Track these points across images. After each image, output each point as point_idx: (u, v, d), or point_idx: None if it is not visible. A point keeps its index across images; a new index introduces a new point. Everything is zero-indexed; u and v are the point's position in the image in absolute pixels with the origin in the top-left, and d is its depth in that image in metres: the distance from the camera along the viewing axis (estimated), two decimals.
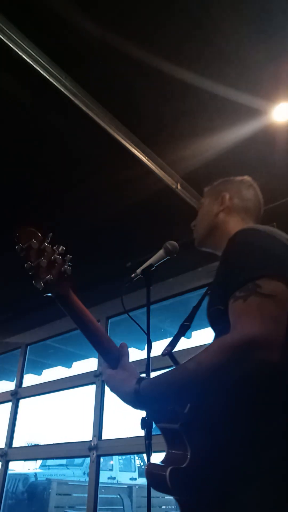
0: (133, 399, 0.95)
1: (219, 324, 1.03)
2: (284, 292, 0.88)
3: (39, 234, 0.99)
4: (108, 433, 3.66)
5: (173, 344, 1.33)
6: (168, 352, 1.30)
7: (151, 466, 1.02)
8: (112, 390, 1.03)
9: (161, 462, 1.02)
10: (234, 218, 1.30)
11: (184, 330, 1.36)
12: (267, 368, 0.82)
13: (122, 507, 6.43)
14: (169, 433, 1.03)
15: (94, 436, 3.61)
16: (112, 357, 1.06)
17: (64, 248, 1.01)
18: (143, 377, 0.98)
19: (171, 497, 1.04)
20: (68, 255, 1.01)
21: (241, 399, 0.92)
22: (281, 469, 0.83)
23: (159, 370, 1.27)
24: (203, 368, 0.85)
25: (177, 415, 1.00)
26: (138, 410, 1.01)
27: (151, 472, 1.00)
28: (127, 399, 0.97)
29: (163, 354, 1.31)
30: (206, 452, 0.95)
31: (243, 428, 0.91)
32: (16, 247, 0.97)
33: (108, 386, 1.04)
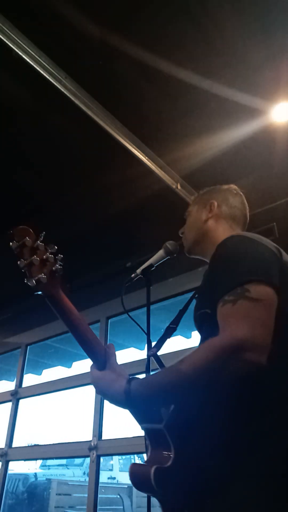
0: (124, 400, 0.95)
1: (205, 327, 1.06)
2: (271, 296, 0.91)
3: (33, 233, 1.01)
4: (108, 433, 3.66)
5: (158, 346, 1.35)
6: (154, 353, 1.32)
7: (135, 466, 1.02)
8: (100, 391, 1.03)
9: (145, 462, 1.03)
10: (222, 225, 1.33)
11: (170, 332, 1.39)
12: (254, 370, 0.84)
13: (122, 507, 6.42)
14: (153, 433, 1.04)
15: (94, 436, 3.61)
16: (99, 358, 1.07)
17: (56, 247, 1.02)
18: (133, 377, 0.99)
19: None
20: (60, 255, 1.03)
21: (227, 399, 0.93)
22: (268, 468, 0.84)
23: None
24: (194, 368, 0.87)
25: (160, 415, 1.01)
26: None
27: (135, 472, 1.00)
28: (117, 399, 0.97)
29: (148, 356, 1.33)
30: (190, 451, 0.96)
31: (228, 428, 0.93)
32: (11, 244, 0.98)
33: (95, 387, 1.04)
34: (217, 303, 0.94)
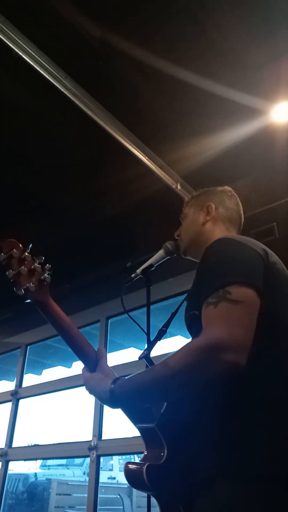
0: (109, 399, 1.00)
1: (194, 328, 1.07)
2: (252, 298, 0.93)
3: (20, 245, 1.06)
4: (108, 433, 3.66)
5: (149, 348, 1.37)
6: (145, 355, 1.34)
7: (129, 465, 1.05)
8: (90, 391, 1.08)
9: (140, 460, 1.06)
10: (219, 228, 1.34)
11: (161, 335, 1.40)
12: (232, 370, 0.85)
13: (122, 507, 6.41)
14: (147, 432, 1.07)
15: (94, 436, 3.61)
16: (91, 360, 1.12)
17: (43, 258, 1.08)
18: (118, 378, 1.03)
19: None
20: (48, 264, 1.08)
21: (214, 398, 0.96)
22: (255, 468, 0.85)
23: None
24: (172, 368, 0.90)
25: (153, 415, 1.05)
26: (118, 410, 1.05)
27: (129, 470, 1.04)
28: (103, 398, 1.02)
29: (140, 358, 1.35)
30: (182, 449, 1.00)
31: (216, 426, 0.95)
32: None
33: (86, 388, 1.09)
34: (202, 305, 0.96)
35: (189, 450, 0.98)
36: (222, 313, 0.90)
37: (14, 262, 1.03)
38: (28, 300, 1.05)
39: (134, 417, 1.10)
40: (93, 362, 1.12)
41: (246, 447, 0.88)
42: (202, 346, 0.87)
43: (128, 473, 1.03)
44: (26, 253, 1.05)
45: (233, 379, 0.88)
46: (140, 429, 1.09)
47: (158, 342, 1.40)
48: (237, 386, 0.92)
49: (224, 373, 0.86)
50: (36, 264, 1.06)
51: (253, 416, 0.90)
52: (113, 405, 1.01)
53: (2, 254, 1.03)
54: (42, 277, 1.06)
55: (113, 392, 0.98)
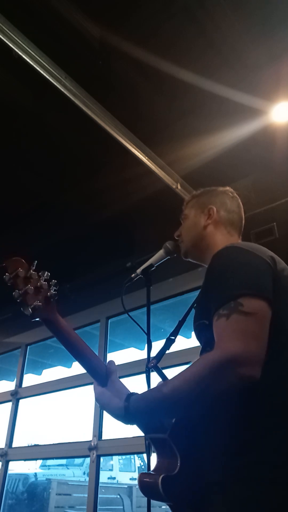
0: (123, 416, 0.98)
1: (204, 337, 1.07)
2: (264, 309, 0.93)
3: (25, 263, 1.04)
4: (108, 433, 3.66)
5: (158, 357, 1.35)
6: (154, 365, 1.32)
7: (143, 476, 1.04)
8: (102, 407, 1.06)
9: (153, 470, 1.05)
10: (220, 231, 1.33)
11: (169, 344, 1.39)
12: (248, 383, 0.85)
13: (122, 507, 6.42)
14: (159, 442, 1.06)
15: (94, 436, 3.61)
16: (100, 374, 1.10)
17: (49, 273, 1.05)
18: (132, 393, 1.01)
19: None
20: (54, 280, 1.06)
21: (225, 407, 0.95)
22: (266, 473, 0.86)
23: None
24: (188, 384, 0.89)
25: (164, 425, 1.03)
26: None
27: (144, 481, 1.02)
28: (117, 415, 1.00)
29: (148, 367, 1.33)
30: (194, 458, 0.99)
31: (227, 433, 0.95)
32: (4, 276, 1.01)
33: (98, 403, 1.07)
34: (213, 316, 0.95)
35: (200, 458, 0.98)
36: (236, 326, 0.89)
37: (20, 282, 1.01)
38: (37, 319, 1.03)
39: (146, 429, 1.08)
40: (103, 375, 1.10)
41: (255, 452, 0.88)
42: (218, 360, 0.86)
43: (143, 485, 1.02)
44: (32, 271, 1.03)
45: (243, 388, 0.88)
46: (151, 439, 1.08)
47: (167, 351, 1.38)
48: (245, 395, 0.92)
49: (240, 387, 0.86)
50: (42, 281, 1.03)
51: (261, 423, 0.91)
52: (128, 422, 1.00)
53: (8, 274, 1.01)
54: (48, 294, 1.04)
55: (128, 409, 0.97)
